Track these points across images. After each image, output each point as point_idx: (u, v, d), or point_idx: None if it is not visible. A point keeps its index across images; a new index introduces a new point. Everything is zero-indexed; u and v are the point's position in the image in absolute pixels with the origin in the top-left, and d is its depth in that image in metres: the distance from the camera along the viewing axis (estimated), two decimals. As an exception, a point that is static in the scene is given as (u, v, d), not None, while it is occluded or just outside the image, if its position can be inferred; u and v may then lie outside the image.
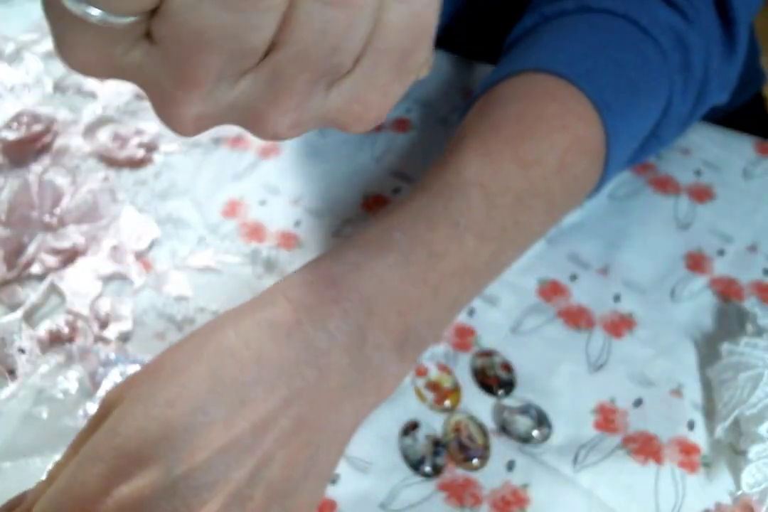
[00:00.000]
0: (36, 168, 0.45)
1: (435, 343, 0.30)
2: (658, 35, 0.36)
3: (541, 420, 0.34)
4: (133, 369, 0.36)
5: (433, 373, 0.36)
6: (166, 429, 0.22)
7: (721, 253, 0.41)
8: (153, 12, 0.16)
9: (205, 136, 0.48)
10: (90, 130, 0.47)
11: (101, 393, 0.36)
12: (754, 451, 0.32)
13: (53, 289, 0.39)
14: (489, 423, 0.35)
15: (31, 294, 0.39)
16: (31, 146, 0.46)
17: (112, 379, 0.36)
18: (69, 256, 0.40)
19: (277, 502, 0.24)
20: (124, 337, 0.37)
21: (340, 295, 0.27)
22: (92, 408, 0.35)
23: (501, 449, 0.34)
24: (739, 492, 0.32)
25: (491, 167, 0.32)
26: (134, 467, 0.22)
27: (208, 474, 0.22)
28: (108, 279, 0.40)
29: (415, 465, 0.33)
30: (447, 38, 0.54)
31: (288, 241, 0.42)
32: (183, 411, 0.23)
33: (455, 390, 0.35)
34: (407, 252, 0.29)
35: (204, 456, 0.22)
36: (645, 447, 0.34)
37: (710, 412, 0.35)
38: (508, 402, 0.35)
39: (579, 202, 0.37)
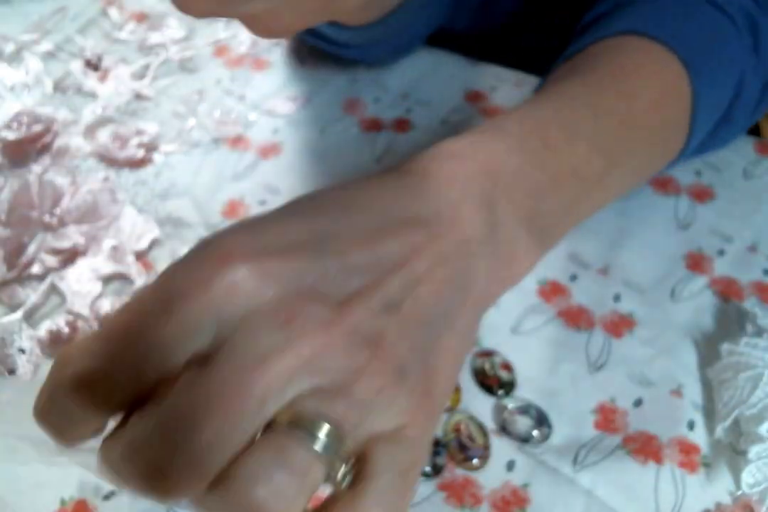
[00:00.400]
0: (36, 168, 0.45)
1: (554, 246, 0.30)
2: (734, 14, 0.37)
3: (541, 420, 0.34)
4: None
5: (433, 373, 0.36)
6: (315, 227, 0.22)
7: (721, 253, 0.41)
8: None
9: (206, 136, 0.48)
10: (90, 130, 0.47)
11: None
12: (754, 451, 0.32)
13: (53, 289, 0.39)
14: (489, 423, 0.35)
15: (32, 294, 0.39)
16: (31, 146, 0.46)
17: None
18: (69, 256, 0.40)
19: (421, 329, 0.23)
20: None
21: (461, 164, 0.26)
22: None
23: (501, 449, 0.34)
24: (739, 492, 0.32)
25: (594, 95, 0.32)
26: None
27: (363, 262, 0.22)
28: (108, 279, 0.40)
29: (415, 465, 0.33)
30: (449, 38, 0.55)
31: (288, 241, 0.42)
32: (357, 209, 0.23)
33: (455, 390, 0.35)
34: (522, 140, 0.28)
35: (361, 250, 0.22)
36: (645, 447, 0.34)
37: (710, 412, 0.35)
38: (508, 402, 0.35)
39: (668, 156, 0.37)
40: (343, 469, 0.20)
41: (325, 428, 0.19)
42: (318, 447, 0.19)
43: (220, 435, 0.18)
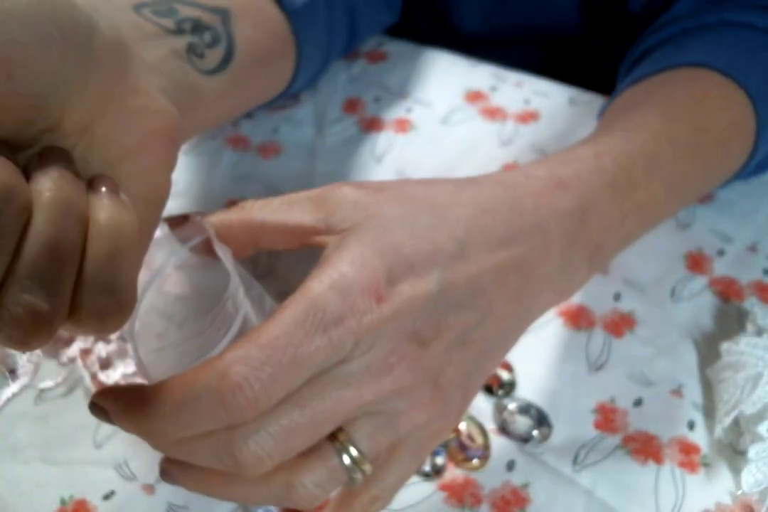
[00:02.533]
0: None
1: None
2: None
3: (541, 420, 0.34)
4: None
5: (433, 373, 0.36)
6: (434, 246, 0.25)
7: (721, 253, 0.41)
8: None
9: (205, 136, 0.48)
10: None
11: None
12: (754, 451, 0.32)
13: (53, 289, 0.39)
14: (489, 423, 0.35)
15: (32, 294, 0.39)
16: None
17: (113, 379, 0.36)
18: (69, 256, 0.40)
19: (477, 361, 0.27)
20: (125, 337, 0.37)
21: (564, 196, 0.29)
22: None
23: (501, 449, 0.34)
24: (739, 492, 0.32)
25: (674, 129, 0.34)
26: (408, 271, 0.24)
27: (466, 293, 0.25)
28: (108, 279, 0.40)
29: (415, 465, 0.33)
30: (457, 40, 0.55)
31: (288, 241, 0.42)
32: (445, 237, 0.25)
33: (455, 390, 0.35)
34: (614, 177, 0.31)
35: (462, 280, 0.25)
36: (645, 447, 0.34)
37: (710, 412, 0.35)
38: (508, 402, 0.35)
39: (722, 181, 0.39)
40: (358, 475, 0.25)
41: (355, 453, 0.24)
42: (346, 461, 0.24)
43: (309, 441, 0.23)
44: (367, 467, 0.24)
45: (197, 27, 0.31)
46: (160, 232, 0.26)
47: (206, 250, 0.28)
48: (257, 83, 0.38)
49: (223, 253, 0.26)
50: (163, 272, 0.27)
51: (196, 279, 0.29)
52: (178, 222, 0.28)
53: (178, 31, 0.29)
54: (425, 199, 0.26)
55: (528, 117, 0.49)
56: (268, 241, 0.28)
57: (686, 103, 0.36)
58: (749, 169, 0.39)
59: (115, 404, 0.23)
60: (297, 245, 0.27)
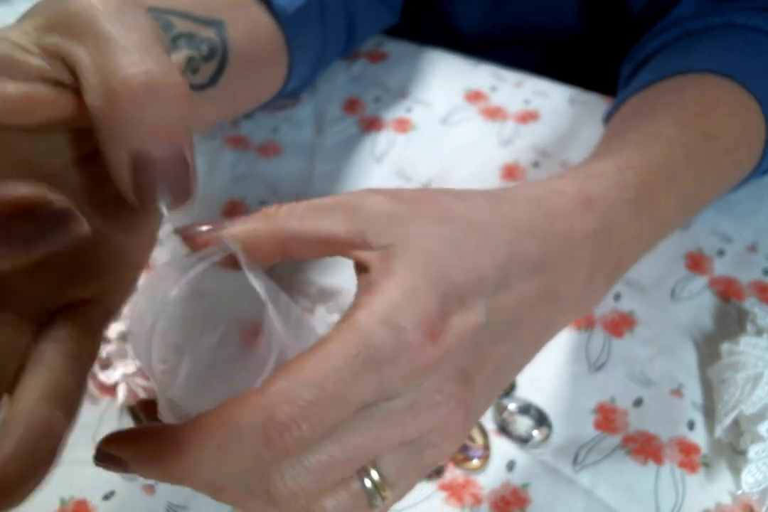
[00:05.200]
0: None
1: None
2: None
3: (541, 420, 0.34)
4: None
5: (433, 373, 0.36)
6: (479, 274, 0.24)
7: (721, 253, 0.41)
8: None
9: (205, 136, 0.48)
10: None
11: (102, 393, 0.36)
12: (754, 451, 0.32)
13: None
14: (489, 423, 0.35)
15: (32, 294, 0.39)
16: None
17: (113, 379, 0.36)
18: (69, 256, 0.40)
19: (507, 379, 0.27)
20: (125, 337, 0.37)
21: (593, 217, 0.28)
22: (93, 408, 0.35)
23: (501, 449, 0.34)
24: (739, 492, 0.32)
25: (687, 138, 0.34)
26: (459, 302, 0.23)
27: (506, 324, 0.25)
28: (108, 279, 0.40)
29: (415, 465, 0.33)
30: (456, 39, 0.55)
31: (288, 240, 0.42)
32: (489, 263, 0.24)
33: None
34: (637, 193, 0.31)
35: (504, 311, 0.24)
36: (645, 447, 0.34)
37: (710, 412, 0.35)
38: (508, 402, 0.35)
39: (726, 191, 0.38)
40: (379, 501, 0.24)
41: (377, 479, 0.23)
42: (368, 486, 0.23)
43: (343, 475, 0.22)
44: (388, 493, 0.24)
45: (193, 41, 0.30)
46: (171, 246, 0.25)
47: (226, 263, 0.26)
48: (246, 92, 0.38)
49: (253, 273, 0.23)
50: (173, 296, 0.24)
51: (217, 300, 0.27)
52: (192, 234, 0.25)
53: (175, 46, 0.29)
54: (463, 217, 0.25)
55: (528, 117, 0.49)
56: (297, 252, 0.26)
57: (697, 110, 0.36)
58: (757, 174, 0.39)
59: (140, 452, 0.22)
60: (328, 255, 0.26)
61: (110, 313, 0.24)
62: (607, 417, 0.35)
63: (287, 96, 0.45)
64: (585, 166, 0.32)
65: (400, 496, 0.25)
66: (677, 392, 0.36)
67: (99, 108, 0.19)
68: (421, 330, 0.22)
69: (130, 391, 0.36)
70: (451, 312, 0.23)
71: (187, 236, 0.24)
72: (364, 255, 0.24)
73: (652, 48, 0.42)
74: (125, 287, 0.25)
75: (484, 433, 0.34)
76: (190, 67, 0.30)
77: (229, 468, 0.21)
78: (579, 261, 0.28)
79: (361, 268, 0.24)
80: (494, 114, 0.49)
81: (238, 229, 0.25)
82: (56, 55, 0.20)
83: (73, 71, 0.20)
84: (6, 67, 0.19)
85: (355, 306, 0.22)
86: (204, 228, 0.24)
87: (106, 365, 0.36)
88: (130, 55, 0.19)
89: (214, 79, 0.32)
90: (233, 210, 0.43)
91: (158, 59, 0.20)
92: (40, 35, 0.20)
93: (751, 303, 0.38)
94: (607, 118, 0.41)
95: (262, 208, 0.25)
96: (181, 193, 0.22)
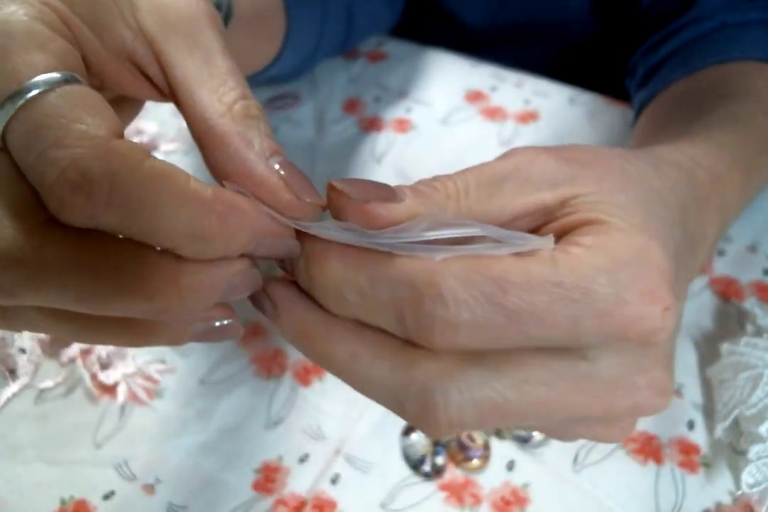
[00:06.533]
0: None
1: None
2: None
3: (541, 420, 0.34)
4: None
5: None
6: (674, 242, 0.22)
7: (721, 253, 0.41)
8: None
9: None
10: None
11: (102, 393, 0.36)
12: (754, 451, 0.32)
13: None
14: (489, 423, 0.35)
15: (32, 294, 0.39)
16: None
17: (113, 379, 0.36)
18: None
19: None
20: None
21: (719, 185, 0.28)
22: (93, 408, 0.35)
23: (501, 449, 0.34)
24: (739, 492, 0.32)
25: (745, 130, 0.34)
26: (675, 277, 0.21)
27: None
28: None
29: (415, 465, 0.33)
30: (457, 35, 0.55)
31: (288, 240, 0.42)
32: (678, 231, 0.23)
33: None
34: (720, 199, 0.28)
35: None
36: (645, 447, 0.34)
37: (710, 412, 0.35)
38: (508, 402, 0.35)
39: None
40: None
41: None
42: None
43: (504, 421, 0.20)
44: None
45: None
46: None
47: None
48: (241, 55, 0.38)
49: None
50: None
51: None
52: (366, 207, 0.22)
53: None
54: (641, 179, 0.23)
55: (528, 117, 0.49)
56: None
57: (756, 108, 0.36)
58: None
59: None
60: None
61: None
62: (607, 417, 0.35)
63: (279, 79, 0.45)
64: (697, 143, 0.30)
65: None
66: (677, 392, 0.36)
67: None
68: (649, 297, 0.19)
69: (130, 391, 0.36)
70: (674, 288, 0.20)
71: (358, 208, 0.21)
72: (554, 224, 0.21)
73: (685, 39, 0.42)
74: None
75: (484, 433, 0.34)
76: None
77: (369, 309, 0.19)
78: (703, 256, 0.27)
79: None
80: (494, 114, 0.49)
81: (421, 207, 0.21)
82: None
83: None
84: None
85: (569, 242, 0.20)
86: (375, 199, 0.21)
87: (106, 365, 0.36)
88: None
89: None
90: (233, 210, 0.43)
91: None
92: None
93: (751, 303, 0.38)
94: (647, 99, 0.41)
95: (429, 182, 0.22)
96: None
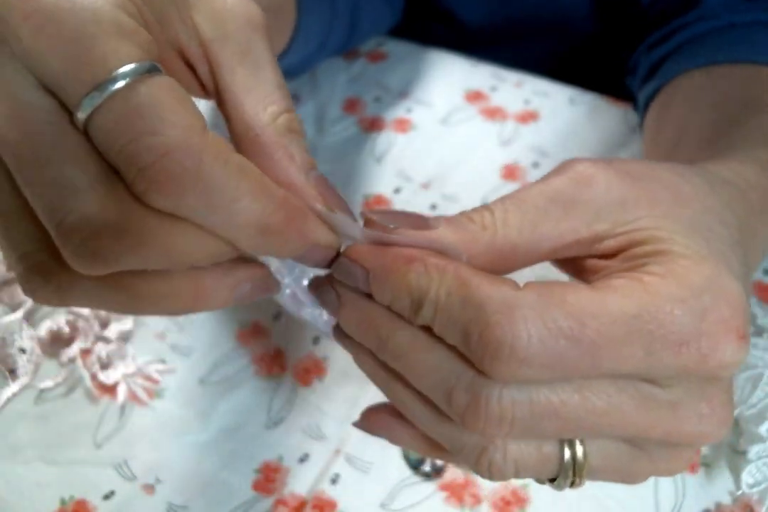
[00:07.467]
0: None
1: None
2: None
3: (541, 420, 0.34)
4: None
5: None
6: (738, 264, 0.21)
7: (721, 252, 0.41)
8: None
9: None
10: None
11: (102, 393, 0.36)
12: (754, 451, 0.32)
13: (54, 289, 0.39)
14: (489, 423, 0.35)
15: (32, 294, 0.39)
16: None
17: (113, 379, 0.36)
18: (69, 256, 0.40)
19: None
20: (125, 337, 0.37)
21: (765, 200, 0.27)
22: (93, 408, 0.35)
23: (501, 449, 0.34)
24: (739, 492, 0.32)
25: None
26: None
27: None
28: (108, 279, 0.40)
29: (415, 465, 0.33)
30: (458, 33, 0.55)
31: (288, 241, 0.42)
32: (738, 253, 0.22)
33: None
34: (745, 192, 0.27)
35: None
36: (645, 447, 0.34)
37: (710, 412, 0.35)
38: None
39: None
40: (566, 481, 0.23)
41: (581, 453, 0.21)
42: (566, 457, 0.21)
43: (560, 433, 0.20)
44: (577, 479, 0.21)
45: None
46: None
47: None
48: None
49: None
50: None
51: None
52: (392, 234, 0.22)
53: None
54: (695, 199, 0.22)
55: (528, 117, 0.49)
56: (520, 263, 0.22)
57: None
58: None
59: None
60: (554, 258, 0.23)
61: None
62: (607, 417, 0.35)
63: (288, 74, 0.45)
64: (750, 156, 0.30)
65: (578, 485, 0.22)
66: (677, 392, 0.35)
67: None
68: (724, 326, 0.19)
69: (130, 391, 0.36)
70: (747, 313, 0.19)
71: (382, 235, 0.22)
72: (603, 246, 0.21)
73: (692, 33, 0.42)
74: None
75: (484, 433, 0.34)
76: None
77: (443, 323, 0.19)
78: (759, 254, 0.26)
79: (590, 264, 0.22)
80: (494, 114, 0.49)
81: (454, 236, 0.21)
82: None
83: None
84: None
85: (637, 270, 0.20)
86: (408, 228, 0.21)
87: (106, 365, 0.36)
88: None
89: None
90: (233, 210, 0.43)
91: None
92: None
93: (751, 304, 0.38)
94: (654, 92, 0.41)
95: (468, 213, 0.22)
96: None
